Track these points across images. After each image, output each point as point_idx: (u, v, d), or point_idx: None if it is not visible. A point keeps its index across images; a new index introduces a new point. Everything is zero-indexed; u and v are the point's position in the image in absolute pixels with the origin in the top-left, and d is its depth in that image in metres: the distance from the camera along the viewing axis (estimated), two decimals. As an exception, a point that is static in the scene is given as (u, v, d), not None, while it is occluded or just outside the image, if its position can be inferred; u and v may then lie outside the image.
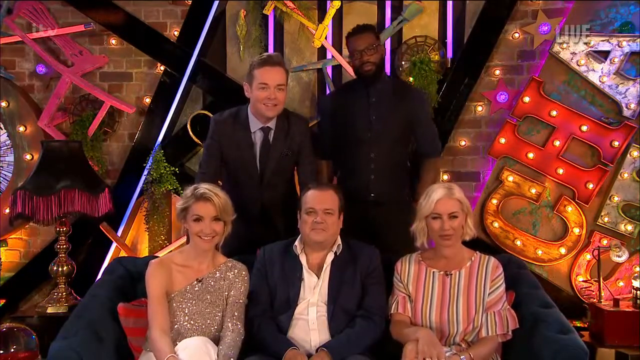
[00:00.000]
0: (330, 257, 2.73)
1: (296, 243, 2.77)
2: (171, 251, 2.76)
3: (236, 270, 2.70)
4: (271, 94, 2.98)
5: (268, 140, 3.11)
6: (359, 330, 2.62)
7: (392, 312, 2.67)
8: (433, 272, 2.67)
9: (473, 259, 2.67)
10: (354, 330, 2.62)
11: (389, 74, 3.89)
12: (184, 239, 3.63)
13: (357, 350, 2.57)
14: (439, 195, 2.62)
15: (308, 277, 2.71)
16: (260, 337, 2.63)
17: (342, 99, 3.40)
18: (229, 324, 2.58)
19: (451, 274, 2.64)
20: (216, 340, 2.56)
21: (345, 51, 3.96)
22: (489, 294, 2.58)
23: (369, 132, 3.27)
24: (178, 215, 2.70)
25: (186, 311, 2.60)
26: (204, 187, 2.64)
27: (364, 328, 2.63)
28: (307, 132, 3.25)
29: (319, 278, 2.70)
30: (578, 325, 3.47)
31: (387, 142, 3.29)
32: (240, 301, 2.66)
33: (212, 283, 2.65)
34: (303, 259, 2.74)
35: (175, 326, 2.58)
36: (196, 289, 2.63)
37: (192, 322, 2.59)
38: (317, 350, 2.55)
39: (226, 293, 2.65)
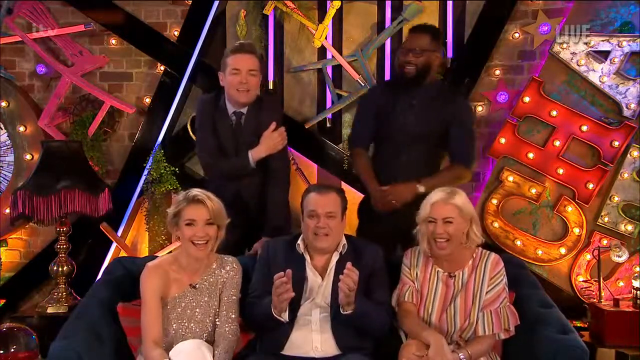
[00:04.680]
0: (335, 257, 2.70)
1: (299, 241, 2.73)
2: (170, 252, 2.64)
3: (228, 267, 2.65)
4: (243, 78, 3.05)
5: (240, 124, 3.17)
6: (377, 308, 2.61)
7: (402, 299, 2.65)
8: (438, 271, 2.66)
9: (474, 255, 2.66)
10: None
11: (389, 74, 3.89)
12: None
13: (378, 319, 2.58)
14: (435, 199, 2.61)
15: (312, 277, 2.68)
16: (253, 315, 2.63)
17: (389, 93, 3.30)
18: (224, 323, 2.55)
19: (455, 276, 2.64)
20: (212, 340, 2.54)
21: (345, 51, 3.98)
22: (487, 292, 2.57)
23: (403, 135, 3.18)
24: (170, 222, 2.60)
25: (181, 317, 2.55)
26: (196, 191, 2.60)
27: (378, 311, 2.61)
28: (277, 116, 3.22)
29: (322, 279, 2.67)
30: (578, 325, 3.45)
31: (421, 147, 3.19)
32: (234, 297, 2.61)
33: (206, 285, 2.61)
34: (307, 258, 2.71)
35: (171, 332, 2.54)
36: (191, 294, 2.58)
37: (187, 327, 2.55)
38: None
39: (220, 292, 2.61)
